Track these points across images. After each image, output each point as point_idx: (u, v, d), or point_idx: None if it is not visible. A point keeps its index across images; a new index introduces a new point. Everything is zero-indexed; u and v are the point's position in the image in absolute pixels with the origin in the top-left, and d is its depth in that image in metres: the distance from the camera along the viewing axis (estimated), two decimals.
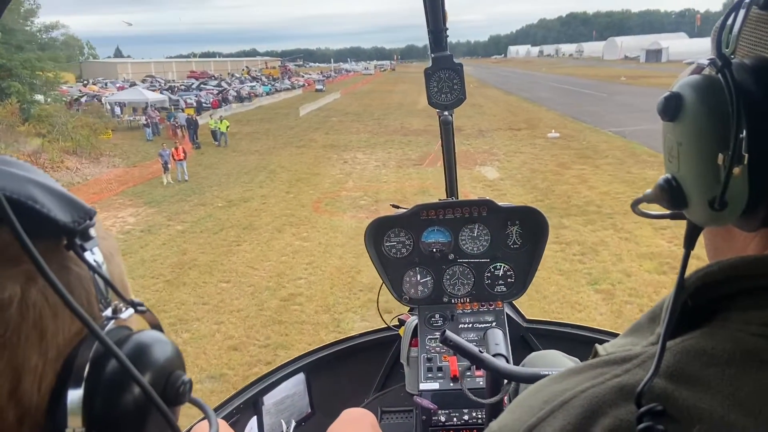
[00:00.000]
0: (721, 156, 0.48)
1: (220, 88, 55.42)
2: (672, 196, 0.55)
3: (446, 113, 2.10)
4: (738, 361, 0.46)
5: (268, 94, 60.21)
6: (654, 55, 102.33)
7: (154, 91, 46.90)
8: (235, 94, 51.87)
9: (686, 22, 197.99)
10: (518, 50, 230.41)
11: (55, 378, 0.49)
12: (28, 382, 0.47)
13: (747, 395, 0.44)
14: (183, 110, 37.48)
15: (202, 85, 62.72)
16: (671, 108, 0.53)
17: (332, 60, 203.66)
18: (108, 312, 0.54)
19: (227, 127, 28.03)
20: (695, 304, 0.52)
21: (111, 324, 0.53)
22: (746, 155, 0.46)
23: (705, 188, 0.51)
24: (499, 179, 18.48)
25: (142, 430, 0.52)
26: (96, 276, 0.52)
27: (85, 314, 0.47)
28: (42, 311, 0.48)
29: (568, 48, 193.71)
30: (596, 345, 0.60)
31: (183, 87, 62.53)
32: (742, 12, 0.53)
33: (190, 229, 14.56)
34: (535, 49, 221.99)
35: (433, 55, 2.01)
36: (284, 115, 41.21)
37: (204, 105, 41.91)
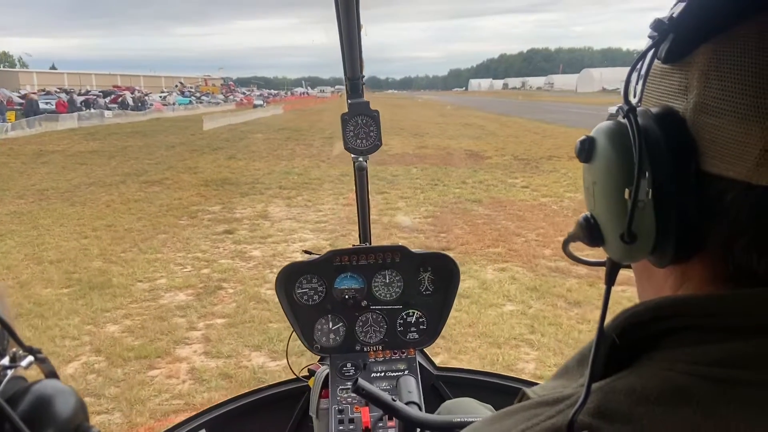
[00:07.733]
0: (627, 191, 0.51)
1: (97, 93, 40.21)
2: (590, 233, 0.58)
3: (361, 159, 2.15)
4: (667, 399, 0.47)
5: (185, 106, 45.69)
6: None
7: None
8: (129, 101, 36.75)
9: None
10: (480, 83, 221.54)
11: None
12: None
13: None
14: None
15: (97, 94, 47.57)
16: (585, 150, 0.57)
17: (285, 87, 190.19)
18: (5, 361, 0.48)
19: None
20: (624, 344, 0.53)
21: (10, 374, 0.48)
22: (650, 190, 0.49)
23: (616, 223, 0.53)
24: None
25: None
26: None
27: None
28: None
29: (535, 81, 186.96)
30: (524, 388, 0.60)
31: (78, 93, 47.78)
32: (645, 65, 0.57)
33: None
34: (499, 82, 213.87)
35: (350, 101, 2.09)
36: (181, 129, 26.58)
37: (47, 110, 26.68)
